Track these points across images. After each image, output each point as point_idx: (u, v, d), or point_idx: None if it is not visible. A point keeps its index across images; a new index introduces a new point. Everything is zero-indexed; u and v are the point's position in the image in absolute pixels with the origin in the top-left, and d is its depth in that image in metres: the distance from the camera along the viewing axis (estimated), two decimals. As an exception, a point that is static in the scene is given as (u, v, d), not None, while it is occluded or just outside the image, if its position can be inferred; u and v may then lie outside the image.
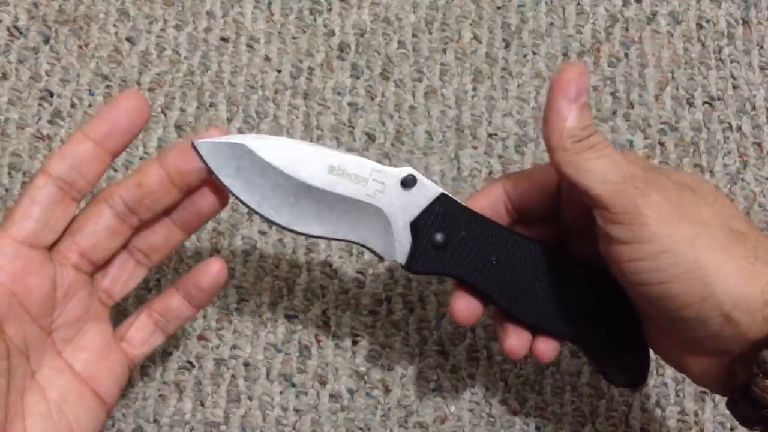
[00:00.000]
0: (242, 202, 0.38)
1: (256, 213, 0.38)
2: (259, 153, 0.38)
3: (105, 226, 0.38)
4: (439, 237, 0.38)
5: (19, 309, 0.36)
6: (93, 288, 0.39)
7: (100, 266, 0.39)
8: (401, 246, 0.39)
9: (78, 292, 0.38)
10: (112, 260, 0.39)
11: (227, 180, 0.38)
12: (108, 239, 0.38)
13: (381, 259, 0.39)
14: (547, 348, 0.40)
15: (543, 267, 0.39)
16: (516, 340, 0.40)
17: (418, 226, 0.38)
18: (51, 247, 0.37)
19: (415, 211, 0.39)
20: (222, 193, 0.39)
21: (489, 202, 0.40)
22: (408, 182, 0.38)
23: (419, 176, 0.38)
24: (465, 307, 0.40)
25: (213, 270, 0.40)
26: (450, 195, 0.39)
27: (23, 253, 0.36)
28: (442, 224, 0.38)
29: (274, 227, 0.50)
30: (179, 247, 0.41)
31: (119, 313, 0.46)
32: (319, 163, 0.38)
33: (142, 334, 0.40)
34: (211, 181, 0.39)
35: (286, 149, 0.38)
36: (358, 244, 0.39)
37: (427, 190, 0.39)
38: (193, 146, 0.37)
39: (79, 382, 0.38)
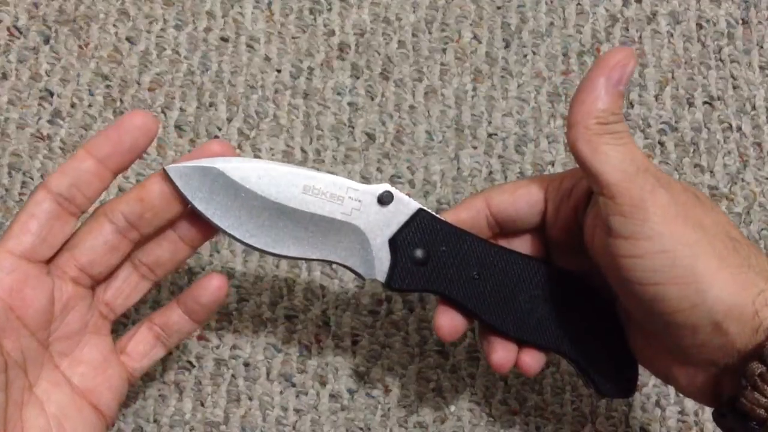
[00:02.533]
0: (217, 226, 0.38)
1: (232, 237, 0.38)
2: (231, 175, 0.37)
3: (104, 241, 0.37)
4: (419, 253, 0.38)
5: (16, 322, 0.36)
6: (93, 301, 0.39)
7: (101, 280, 0.39)
8: (380, 264, 0.38)
9: (77, 306, 0.38)
10: (115, 273, 0.39)
11: (201, 205, 0.37)
12: (107, 254, 0.38)
13: (361, 278, 0.39)
14: (532, 361, 0.39)
15: (526, 279, 0.39)
16: (503, 353, 0.39)
17: (396, 242, 0.38)
18: (50, 261, 0.37)
19: (393, 228, 0.38)
20: None
21: (470, 215, 0.40)
22: (385, 199, 0.38)
23: (396, 192, 0.38)
24: (448, 322, 0.39)
25: (213, 286, 0.39)
26: (428, 210, 0.38)
27: (20, 267, 0.36)
28: (421, 240, 0.38)
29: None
30: (184, 263, 0.41)
31: (121, 324, 0.46)
32: (293, 183, 0.38)
33: (142, 347, 0.40)
34: None
35: (259, 170, 0.37)
36: (336, 263, 0.39)
37: (405, 206, 0.38)
38: (165, 173, 0.37)
39: (77, 396, 0.38)
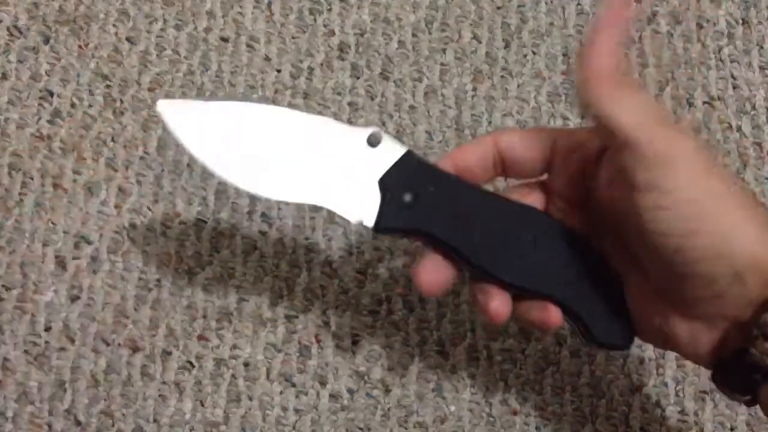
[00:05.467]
0: (203, 163, 0.38)
1: (217, 176, 0.38)
2: (221, 116, 0.38)
3: None
4: (407, 196, 0.38)
5: None
6: None
7: None
8: (368, 207, 0.38)
9: None
10: None
11: (188, 140, 0.38)
12: None
13: (348, 221, 0.38)
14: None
15: (517, 223, 0.38)
16: (499, 301, 0.38)
17: (384, 185, 0.38)
18: None
19: (381, 170, 0.38)
20: None
21: (478, 149, 0.39)
22: (373, 141, 0.38)
23: (384, 134, 0.38)
24: (432, 270, 0.38)
25: None
26: (417, 153, 0.38)
27: None
28: (410, 181, 0.38)
29: (274, 227, 0.50)
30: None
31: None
32: (282, 125, 0.38)
33: None
34: None
35: (248, 112, 0.38)
36: (324, 207, 0.38)
37: (393, 149, 0.38)
38: (158, 108, 0.38)
39: None
